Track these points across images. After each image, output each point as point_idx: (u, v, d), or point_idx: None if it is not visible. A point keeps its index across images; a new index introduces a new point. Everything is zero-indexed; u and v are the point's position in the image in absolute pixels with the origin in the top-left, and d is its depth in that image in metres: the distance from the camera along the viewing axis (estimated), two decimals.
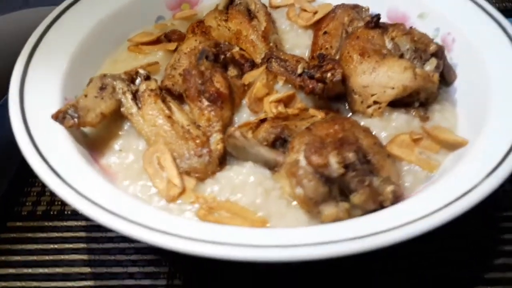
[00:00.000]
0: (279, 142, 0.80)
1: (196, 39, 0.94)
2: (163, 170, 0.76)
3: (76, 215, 0.92)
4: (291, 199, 0.73)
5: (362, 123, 0.86)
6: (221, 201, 0.73)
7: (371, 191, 0.70)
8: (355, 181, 0.70)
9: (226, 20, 1.08)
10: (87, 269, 0.86)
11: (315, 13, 1.10)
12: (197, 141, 0.80)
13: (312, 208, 0.71)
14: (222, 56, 0.91)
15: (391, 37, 0.93)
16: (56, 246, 0.90)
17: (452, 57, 0.96)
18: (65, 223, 0.93)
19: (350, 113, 0.92)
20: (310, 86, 0.87)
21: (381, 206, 0.71)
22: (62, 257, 0.88)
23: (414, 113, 0.88)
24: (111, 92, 0.84)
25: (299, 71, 0.89)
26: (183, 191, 0.74)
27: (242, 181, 0.75)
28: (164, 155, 0.77)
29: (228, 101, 0.86)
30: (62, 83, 0.86)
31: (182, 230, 0.61)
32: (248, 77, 0.92)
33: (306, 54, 1.05)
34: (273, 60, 0.93)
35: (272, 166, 0.77)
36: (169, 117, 0.82)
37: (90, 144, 0.82)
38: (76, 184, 0.68)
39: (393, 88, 0.86)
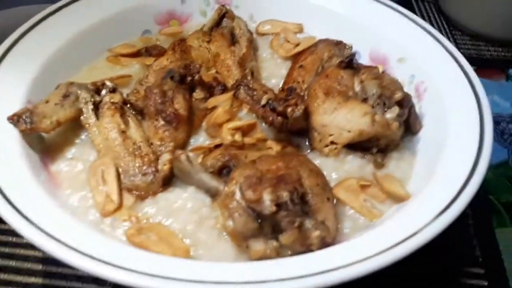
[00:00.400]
0: (226, 171, 0.80)
1: (167, 58, 0.96)
2: (104, 184, 0.77)
3: None
4: (223, 231, 0.73)
5: (317, 161, 0.87)
6: (153, 223, 0.73)
7: (300, 233, 0.69)
8: (285, 221, 0.69)
9: (208, 42, 1.10)
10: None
11: (297, 45, 1.11)
12: (145, 159, 0.80)
13: (241, 242, 0.71)
14: (190, 78, 0.92)
15: (361, 79, 0.93)
16: None
17: (422, 106, 0.95)
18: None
19: (309, 150, 0.92)
20: (270, 119, 0.88)
21: (308, 250, 0.70)
22: None
23: (369, 159, 0.87)
24: (73, 101, 0.86)
25: (263, 102, 0.90)
26: (118, 208, 0.75)
27: (180, 205, 0.76)
28: (108, 169, 0.78)
29: (184, 123, 0.87)
30: (29, 87, 0.88)
31: (97, 251, 0.61)
32: (212, 101, 0.93)
33: (280, 84, 1.06)
34: (242, 87, 0.94)
35: (213, 194, 0.77)
36: (123, 132, 0.83)
37: (44, 148, 0.83)
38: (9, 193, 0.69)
39: (349, 131, 0.85)
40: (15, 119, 0.78)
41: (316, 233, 0.68)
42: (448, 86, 0.92)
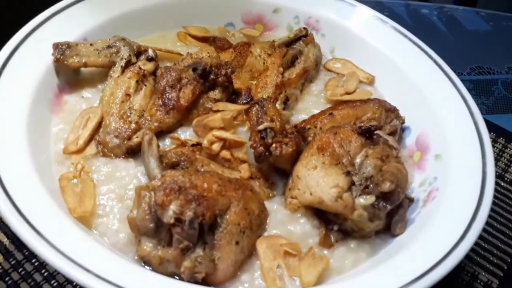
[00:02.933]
0: (178, 168, 0.82)
1: (208, 52, 1.00)
2: (83, 128, 0.86)
3: None
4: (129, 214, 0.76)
5: (274, 207, 0.83)
6: (87, 178, 0.80)
7: (180, 256, 0.69)
8: (176, 237, 0.69)
9: (269, 55, 1.10)
10: None
11: (351, 93, 1.04)
12: (127, 125, 0.87)
13: (136, 233, 0.73)
14: (213, 77, 0.95)
15: (367, 153, 0.84)
16: None
17: (421, 212, 0.83)
18: None
19: (282, 193, 0.87)
20: (255, 145, 0.86)
21: (179, 276, 0.69)
22: None
23: (321, 233, 0.79)
24: (112, 53, 0.97)
25: (260, 127, 0.88)
26: (78, 151, 0.84)
27: (120, 176, 0.82)
28: (94, 118, 0.88)
29: (179, 112, 0.90)
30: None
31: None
32: (220, 106, 0.94)
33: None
34: (257, 105, 0.94)
35: (150, 179, 0.80)
36: (127, 95, 0.91)
37: (72, 78, 0.96)
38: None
39: (311, 194, 0.79)
40: (54, 46, 0.92)
41: (186, 263, 0.67)
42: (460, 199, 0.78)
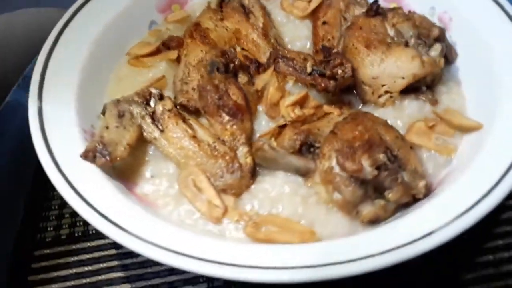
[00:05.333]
0: (305, 148, 0.82)
1: (202, 49, 0.94)
2: (201, 192, 0.78)
3: (100, 233, 0.94)
4: (328, 204, 0.77)
5: (376, 114, 0.90)
6: (264, 215, 0.76)
7: (404, 187, 0.74)
8: (388, 179, 0.74)
9: (222, 19, 1.07)
10: (127, 286, 0.89)
11: (310, 1, 1.10)
12: (226, 157, 0.81)
13: (351, 210, 0.75)
14: (232, 65, 0.91)
15: (392, 24, 0.95)
16: (90, 268, 0.91)
17: (451, 35, 0.99)
18: (92, 243, 0.94)
19: (361, 104, 0.95)
20: (323, 85, 0.89)
21: (414, 199, 0.76)
22: (99, 277, 0.90)
23: (423, 98, 0.91)
24: (130, 119, 0.84)
25: (309, 70, 0.91)
26: (225, 211, 0.77)
27: (278, 192, 0.78)
28: (198, 177, 0.79)
29: (247, 112, 0.87)
30: (76, 113, 0.85)
31: (236, 257, 0.64)
32: (259, 82, 0.93)
33: (307, 45, 1.06)
34: (280, 60, 0.94)
35: (303, 173, 0.80)
36: (193, 137, 0.83)
37: (119, 174, 0.82)
38: (115, 218, 0.70)
39: (403, 77, 0.89)
40: (90, 156, 0.76)
41: (422, 183, 0.73)
42: (474, 11, 0.96)
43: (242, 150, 0.82)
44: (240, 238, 0.74)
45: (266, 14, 1.08)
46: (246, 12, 1.08)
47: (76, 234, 0.95)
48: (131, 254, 0.90)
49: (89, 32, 0.98)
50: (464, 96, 0.92)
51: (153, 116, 0.86)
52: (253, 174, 0.82)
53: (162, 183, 0.82)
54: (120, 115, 0.84)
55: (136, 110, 0.85)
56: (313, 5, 1.08)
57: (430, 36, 0.92)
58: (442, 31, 0.93)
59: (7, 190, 0.95)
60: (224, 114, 0.85)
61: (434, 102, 0.91)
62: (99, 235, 0.93)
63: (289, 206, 0.77)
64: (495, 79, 0.86)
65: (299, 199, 0.77)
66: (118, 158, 0.77)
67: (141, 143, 0.85)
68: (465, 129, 0.84)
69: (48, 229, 0.96)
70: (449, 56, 0.97)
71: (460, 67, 0.97)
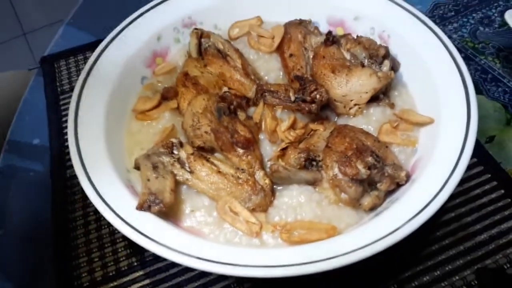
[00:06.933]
0: (308, 162, 1.04)
1: (203, 98, 1.12)
2: (238, 215, 0.97)
3: (132, 267, 1.07)
4: (337, 203, 0.99)
5: (350, 123, 1.14)
6: (292, 222, 0.97)
7: (390, 178, 0.99)
8: (378, 175, 0.98)
9: (205, 66, 1.25)
10: None
11: (273, 38, 1.31)
12: (250, 182, 1.01)
13: (356, 204, 0.98)
14: (232, 106, 1.10)
15: (347, 48, 1.19)
16: None
17: (392, 49, 1.25)
18: (128, 278, 1.07)
19: (336, 117, 1.18)
20: (307, 109, 1.11)
21: (397, 185, 1.00)
22: None
23: (383, 104, 1.16)
24: (163, 168, 1.01)
25: (292, 98, 1.12)
26: (261, 226, 0.96)
27: (297, 202, 0.99)
28: (233, 204, 0.98)
29: (255, 142, 1.07)
30: (117, 175, 1.00)
31: (284, 258, 0.84)
32: (256, 116, 1.13)
33: (280, 76, 1.27)
34: (266, 94, 1.15)
35: (312, 183, 1.02)
36: (219, 172, 1.01)
37: (166, 215, 0.99)
38: (181, 248, 0.87)
39: (366, 92, 1.13)
40: (145, 206, 0.92)
41: (403, 173, 0.98)
42: (405, 28, 1.23)
43: (259, 174, 1.02)
44: (279, 244, 0.94)
45: (241, 54, 1.28)
46: (223, 56, 1.27)
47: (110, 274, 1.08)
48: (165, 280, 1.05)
49: (101, 95, 1.13)
50: (412, 96, 1.19)
51: (179, 161, 1.03)
52: (273, 191, 1.02)
53: (202, 214, 1.00)
54: (155, 167, 1.00)
55: (166, 159, 1.02)
56: (277, 40, 1.30)
57: (378, 55, 1.17)
58: (387, 49, 1.18)
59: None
60: (238, 148, 1.04)
61: (392, 106, 1.17)
62: (131, 269, 1.06)
63: (308, 211, 0.98)
64: (431, 79, 1.12)
65: (314, 204, 0.99)
66: (169, 203, 0.94)
67: (176, 185, 1.02)
68: (421, 124, 1.10)
69: (82, 275, 1.08)
70: (394, 66, 1.23)
71: (403, 73, 1.23)
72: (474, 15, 1.59)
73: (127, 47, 1.24)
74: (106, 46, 1.22)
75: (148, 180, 0.98)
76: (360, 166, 0.96)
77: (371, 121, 1.14)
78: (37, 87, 1.48)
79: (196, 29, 1.30)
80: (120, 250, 1.10)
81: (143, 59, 1.27)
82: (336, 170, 0.98)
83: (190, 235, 0.92)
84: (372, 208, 0.99)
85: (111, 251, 1.10)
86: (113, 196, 0.94)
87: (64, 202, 1.18)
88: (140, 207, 0.93)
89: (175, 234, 0.91)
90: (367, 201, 0.98)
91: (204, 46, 1.29)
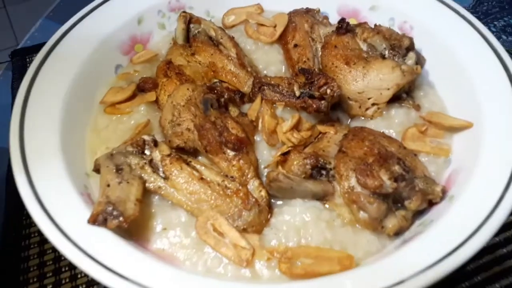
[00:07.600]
0: (315, 171, 0.82)
1: (188, 88, 0.90)
2: (224, 236, 0.74)
3: None
4: (354, 224, 0.77)
5: (366, 125, 0.93)
6: (294, 248, 0.74)
7: (422, 193, 0.77)
8: (406, 190, 0.76)
9: (193, 54, 1.04)
10: None
11: (275, 26, 1.11)
12: (240, 194, 0.78)
13: (377, 226, 0.76)
14: (222, 99, 0.88)
15: (363, 38, 0.99)
16: None
17: (415, 42, 1.05)
18: None
19: (349, 119, 0.97)
20: (314, 106, 0.90)
21: (430, 204, 0.78)
22: None
23: (407, 105, 0.95)
24: (129, 172, 0.78)
25: (298, 93, 0.91)
26: (254, 251, 0.73)
27: (300, 221, 0.77)
28: (217, 220, 0.75)
29: (249, 143, 0.85)
30: (69, 178, 0.77)
31: None
32: (252, 112, 0.91)
33: (282, 69, 1.06)
34: (265, 88, 0.94)
35: (321, 197, 0.80)
36: (201, 179, 0.79)
37: (128, 233, 0.76)
38: (136, 276, 0.64)
39: (388, 89, 0.92)
40: (100, 219, 0.69)
41: (439, 188, 0.76)
42: (431, 17, 1.03)
43: (254, 184, 0.80)
44: (277, 277, 0.71)
45: (236, 43, 1.07)
46: (214, 43, 1.07)
47: None
48: None
49: (61, 82, 0.91)
50: (441, 98, 0.98)
51: (151, 164, 0.81)
52: (270, 206, 0.80)
53: (176, 234, 0.77)
54: (118, 170, 0.77)
55: (133, 161, 0.80)
56: (280, 29, 1.09)
57: (401, 46, 0.96)
58: (412, 40, 0.98)
59: None
60: (228, 150, 0.82)
61: (417, 108, 0.96)
62: None
63: (316, 233, 0.75)
64: (466, 78, 0.92)
65: (323, 224, 0.76)
66: (131, 217, 0.71)
67: (143, 194, 0.80)
68: (456, 129, 0.89)
69: None
70: (419, 62, 1.02)
71: (429, 71, 1.03)
72: None
73: (100, 28, 1.03)
74: (75, 25, 1.01)
75: (108, 185, 0.75)
76: (385, 177, 0.74)
77: (392, 124, 0.93)
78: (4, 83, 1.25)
79: (184, 12, 1.10)
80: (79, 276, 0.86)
81: (119, 44, 1.06)
82: (353, 181, 0.75)
83: (158, 262, 0.69)
84: (398, 233, 0.77)
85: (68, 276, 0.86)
86: (57, 203, 0.71)
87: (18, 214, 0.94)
88: (93, 220, 0.69)
89: (137, 259, 0.68)
90: (392, 223, 0.76)
91: (193, 32, 1.08)
